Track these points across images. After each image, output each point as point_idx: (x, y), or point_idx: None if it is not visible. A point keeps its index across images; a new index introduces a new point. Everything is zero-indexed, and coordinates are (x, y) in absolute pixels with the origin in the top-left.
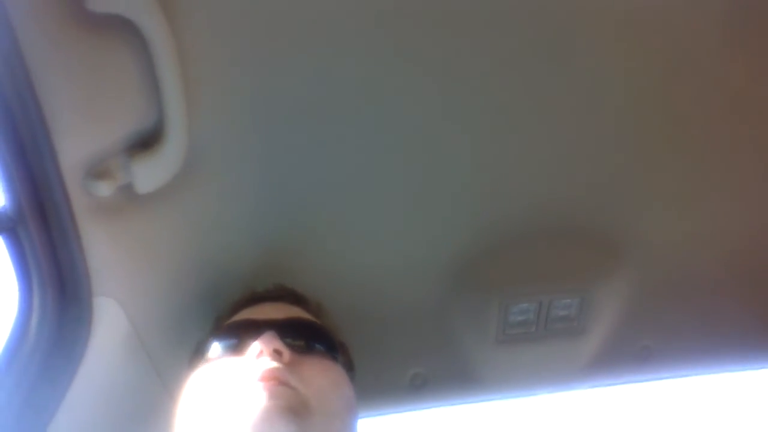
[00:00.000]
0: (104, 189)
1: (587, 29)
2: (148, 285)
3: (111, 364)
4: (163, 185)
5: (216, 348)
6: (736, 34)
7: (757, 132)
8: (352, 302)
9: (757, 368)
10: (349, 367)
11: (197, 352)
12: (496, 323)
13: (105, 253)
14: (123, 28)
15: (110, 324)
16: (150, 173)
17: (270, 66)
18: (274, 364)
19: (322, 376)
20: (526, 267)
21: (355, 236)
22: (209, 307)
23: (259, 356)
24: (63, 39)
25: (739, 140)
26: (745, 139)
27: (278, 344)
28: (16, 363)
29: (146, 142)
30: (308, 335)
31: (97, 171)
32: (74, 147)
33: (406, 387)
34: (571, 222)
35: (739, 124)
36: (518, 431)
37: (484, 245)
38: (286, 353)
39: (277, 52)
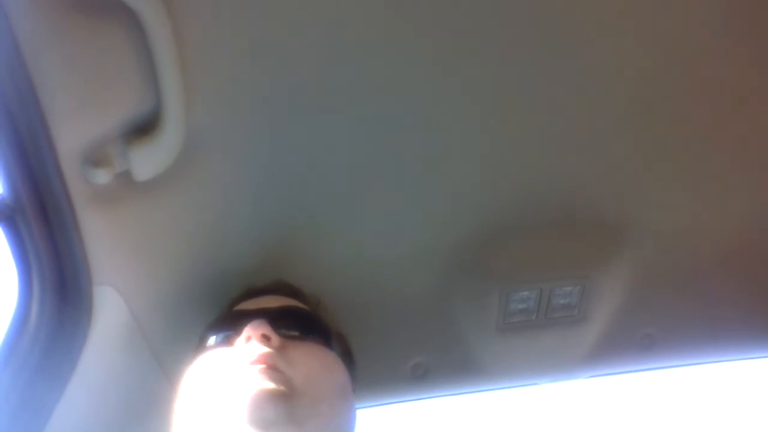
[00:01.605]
0: (102, 176)
1: (587, 19)
2: (149, 274)
3: (111, 352)
4: (161, 173)
5: (212, 339)
6: (739, 22)
7: (760, 119)
8: (353, 292)
9: (760, 357)
10: (347, 356)
11: (198, 346)
12: (496, 312)
13: (104, 241)
14: (120, 13)
15: (110, 313)
16: (148, 160)
17: (270, 54)
18: (264, 349)
19: (311, 360)
20: (526, 255)
21: (355, 226)
22: (210, 295)
23: (248, 342)
24: (59, 24)
25: (742, 127)
26: (748, 126)
27: (266, 329)
28: (16, 353)
29: (144, 128)
30: (301, 323)
31: (94, 158)
32: (71, 134)
33: (408, 377)
34: (572, 209)
35: (741, 112)
36: (520, 420)
37: (484, 233)
38: (275, 338)
39: (278, 40)
